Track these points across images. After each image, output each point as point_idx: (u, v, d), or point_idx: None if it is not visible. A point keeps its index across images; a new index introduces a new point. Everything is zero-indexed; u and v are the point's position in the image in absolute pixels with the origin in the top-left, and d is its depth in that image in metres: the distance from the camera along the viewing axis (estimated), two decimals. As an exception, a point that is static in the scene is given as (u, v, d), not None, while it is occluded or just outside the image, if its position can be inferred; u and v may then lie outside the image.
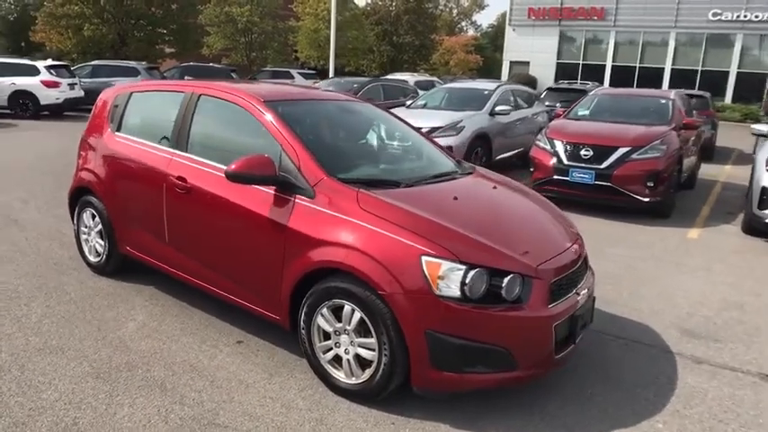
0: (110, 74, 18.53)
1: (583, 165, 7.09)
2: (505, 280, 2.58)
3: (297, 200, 2.95)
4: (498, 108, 9.49)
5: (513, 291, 2.60)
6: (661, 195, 6.95)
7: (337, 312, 2.81)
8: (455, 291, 2.52)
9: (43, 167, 8.22)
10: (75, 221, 4.55)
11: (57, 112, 16.30)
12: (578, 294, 2.90)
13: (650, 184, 6.84)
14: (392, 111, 9.71)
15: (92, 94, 17.56)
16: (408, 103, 10.64)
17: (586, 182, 7.06)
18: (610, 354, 3.56)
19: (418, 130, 4.29)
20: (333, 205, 2.84)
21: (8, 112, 15.71)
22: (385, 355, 2.64)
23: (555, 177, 7.33)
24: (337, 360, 2.87)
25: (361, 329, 2.73)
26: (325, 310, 2.83)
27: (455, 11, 65.10)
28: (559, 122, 8.28)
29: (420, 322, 2.53)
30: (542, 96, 15.94)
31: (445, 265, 2.53)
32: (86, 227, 4.40)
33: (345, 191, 2.87)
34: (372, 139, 4.06)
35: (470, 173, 3.72)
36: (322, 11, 33.38)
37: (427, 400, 2.81)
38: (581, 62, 29.80)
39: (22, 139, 12.07)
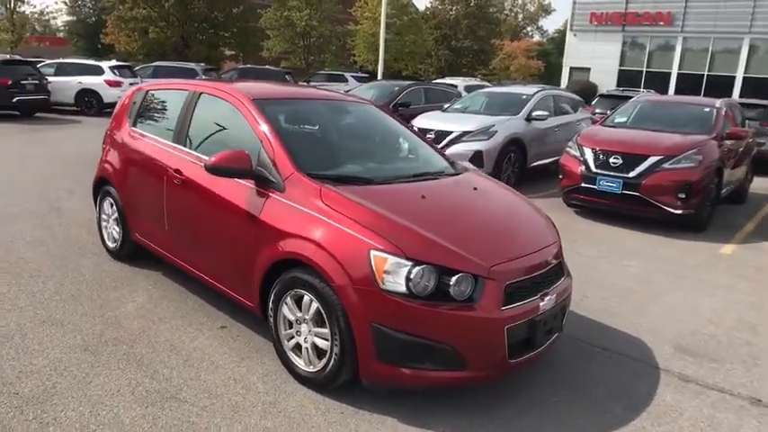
0: (170, 74, 19.48)
1: (611, 173, 6.88)
2: (453, 279, 2.61)
3: (270, 193, 3.10)
4: (536, 113, 9.32)
5: (462, 290, 2.62)
6: (694, 208, 6.65)
7: (299, 302, 2.92)
8: (401, 286, 2.57)
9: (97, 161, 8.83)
10: (97, 209, 4.90)
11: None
12: (543, 299, 2.87)
13: (682, 195, 6.55)
14: (427, 113, 9.83)
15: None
16: (446, 106, 10.63)
17: (614, 191, 6.84)
18: (591, 365, 3.47)
19: (413, 129, 4.32)
20: (298, 199, 2.96)
21: (74, 109, 16.92)
22: (336, 344, 2.72)
23: (582, 185, 7.15)
24: (298, 348, 2.99)
25: (318, 319, 2.83)
26: (288, 300, 2.95)
27: (520, 16, 64.08)
28: (592, 129, 8.06)
29: (366, 315, 2.60)
30: (594, 103, 15.52)
31: (391, 259, 2.59)
32: (106, 214, 4.73)
33: (311, 186, 2.99)
34: (360, 137, 4.14)
35: (458, 174, 3.74)
36: (380, 15, 33.72)
37: (382, 394, 2.86)
38: (645, 69, 28.59)
39: (85, 134, 12.93)
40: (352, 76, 25.58)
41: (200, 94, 3.86)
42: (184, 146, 3.80)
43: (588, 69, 29.05)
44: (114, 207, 4.55)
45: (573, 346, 3.67)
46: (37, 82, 15.40)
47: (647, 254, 5.90)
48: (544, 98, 9.92)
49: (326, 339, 2.79)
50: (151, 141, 4.12)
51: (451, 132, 8.78)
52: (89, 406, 2.72)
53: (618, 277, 5.10)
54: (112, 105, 16.42)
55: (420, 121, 9.35)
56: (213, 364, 3.16)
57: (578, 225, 6.99)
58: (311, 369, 2.91)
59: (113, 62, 18.16)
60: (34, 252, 4.78)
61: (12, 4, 20.86)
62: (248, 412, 2.75)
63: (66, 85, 16.85)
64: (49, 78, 16.66)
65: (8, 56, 17.39)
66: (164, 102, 4.37)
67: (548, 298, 2.90)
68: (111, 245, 4.72)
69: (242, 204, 3.20)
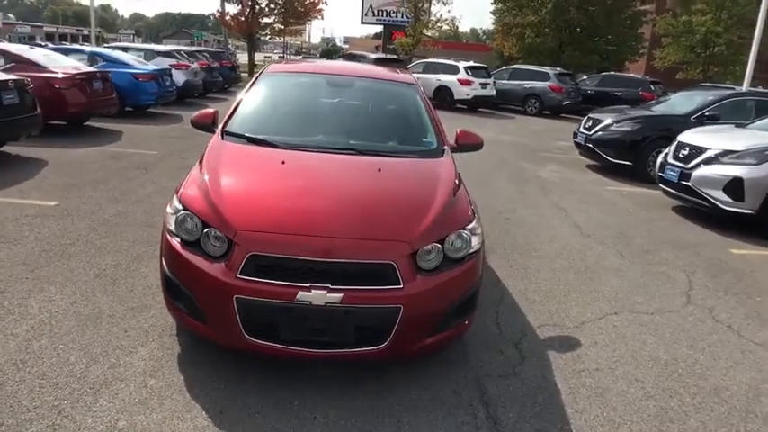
0: (523, 78, 20.39)
1: None
2: (203, 231, 2.65)
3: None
4: None
5: (208, 245, 2.63)
6: None
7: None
8: (172, 227, 2.77)
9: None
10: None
11: (472, 105, 19.24)
12: (309, 290, 2.47)
13: None
14: (708, 127, 7.67)
15: (505, 95, 19.96)
16: (752, 121, 8.06)
17: None
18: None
19: (434, 121, 3.93)
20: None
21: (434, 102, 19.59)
22: None
23: None
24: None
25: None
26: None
27: None
28: None
29: (161, 249, 2.91)
30: None
31: (174, 201, 2.85)
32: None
33: (214, 139, 3.48)
34: (336, 110, 4.12)
35: (415, 158, 3.47)
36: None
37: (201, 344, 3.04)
38: None
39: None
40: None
41: None
42: None
43: None
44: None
45: (430, 390, 2.87)
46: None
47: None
48: None
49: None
50: None
51: (706, 150, 6.77)
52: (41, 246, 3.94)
53: (700, 360, 3.41)
54: (461, 102, 18.79)
55: (684, 135, 7.50)
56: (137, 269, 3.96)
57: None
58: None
59: (470, 63, 20.09)
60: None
61: (415, 13, 25.53)
62: (99, 293, 3.48)
63: (427, 82, 19.71)
64: (416, 75, 19.85)
65: (384, 55, 21.47)
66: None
67: (318, 292, 2.46)
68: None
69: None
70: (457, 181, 3.23)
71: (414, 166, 3.41)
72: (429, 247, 2.68)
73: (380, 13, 33.30)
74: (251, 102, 3.84)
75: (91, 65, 11.06)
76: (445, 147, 3.64)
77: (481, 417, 2.69)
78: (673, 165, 7.19)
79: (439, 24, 25.76)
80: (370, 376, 2.91)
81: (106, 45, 17.12)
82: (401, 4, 30.14)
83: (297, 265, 2.52)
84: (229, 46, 35.32)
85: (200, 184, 2.90)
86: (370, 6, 33.92)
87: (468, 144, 3.91)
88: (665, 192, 7.51)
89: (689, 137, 7.33)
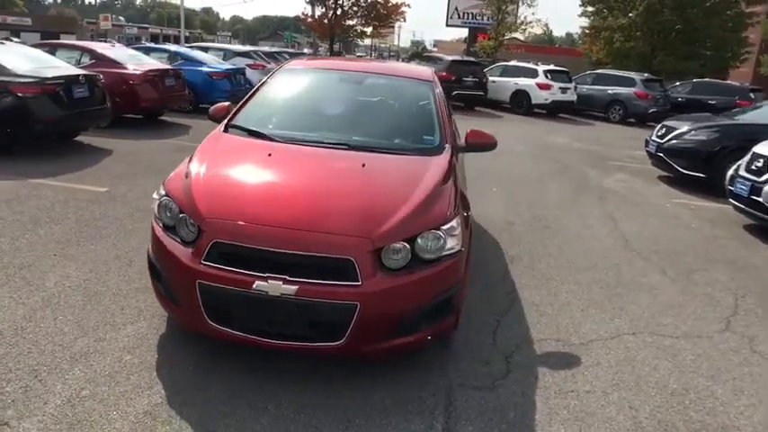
0: (607, 83, 19.32)
1: None
2: (178, 216, 2.75)
3: None
4: None
5: (182, 230, 2.73)
6: None
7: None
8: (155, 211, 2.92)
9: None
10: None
11: (552, 111, 18.57)
12: (266, 281, 2.47)
13: None
14: None
15: (587, 101, 19.05)
16: None
17: None
18: None
19: (439, 114, 3.82)
20: None
21: (507, 106, 19.06)
22: None
23: None
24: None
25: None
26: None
27: None
28: None
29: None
30: None
31: (160, 188, 2.97)
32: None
33: (214, 131, 3.63)
34: (344, 105, 4.04)
35: (408, 155, 3.40)
36: None
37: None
38: None
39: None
40: None
41: None
42: None
43: None
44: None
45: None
46: (477, 80, 18.24)
47: None
48: None
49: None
50: None
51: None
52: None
53: (717, 393, 3.04)
54: (539, 106, 18.17)
55: (760, 146, 6.80)
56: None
57: None
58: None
59: (551, 66, 19.35)
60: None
61: (499, 17, 24.89)
62: (112, 273, 3.62)
63: (503, 86, 19.22)
64: (494, 78, 19.43)
65: (460, 57, 21.11)
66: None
67: (274, 282, 2.46)
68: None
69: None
70: (445, 179, 3.09)
71: (401, 163, 3.33)
72: (398, 245, 2.61)
73: (465, 16, 32.92)
74: (261, 96, 3.94)
75: (171, 63, 11.82)
76: (446, 145, 3.53)
77: (438, 428, 2.57)
78: (743, 177, 6.54)
79: (524, 27, 25.01)
80: (339, 374, 2.88)
81: (188, 45, 18.16)
82: (486, 6, 29.64)
83: (258, 254, 2.54)
84: (305, 49, 36.38)
85: (185, 173, 3.01)
86: (456, 9, 33.67)
87: (478, 144, 3.78)
88: (734, 207, 6.85)
89: (765, 148, 6.63)
